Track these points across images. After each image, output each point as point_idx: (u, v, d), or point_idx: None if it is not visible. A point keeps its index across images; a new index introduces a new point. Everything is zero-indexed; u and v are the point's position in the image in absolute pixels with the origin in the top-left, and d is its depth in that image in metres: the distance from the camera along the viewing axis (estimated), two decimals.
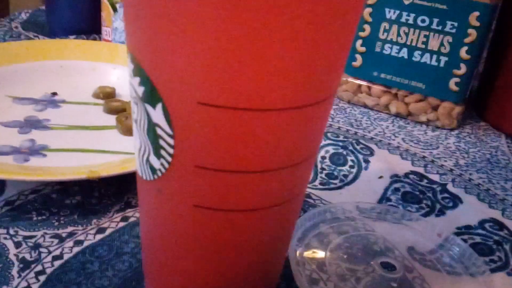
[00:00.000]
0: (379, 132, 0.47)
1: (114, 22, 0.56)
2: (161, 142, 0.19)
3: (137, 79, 0.19)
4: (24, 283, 0.25)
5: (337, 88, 0.21)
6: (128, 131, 0.39)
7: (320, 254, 0.29)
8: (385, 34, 0.48)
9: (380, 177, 0.39)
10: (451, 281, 0.29)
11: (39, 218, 0.30)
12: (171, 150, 0.19)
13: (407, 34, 0.48)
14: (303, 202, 0.35)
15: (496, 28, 0.50)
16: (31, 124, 0.40)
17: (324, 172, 0.39)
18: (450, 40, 0.46)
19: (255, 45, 0.16)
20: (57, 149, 0.37)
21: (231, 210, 0.20)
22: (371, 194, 0.37)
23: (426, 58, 0.47)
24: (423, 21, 0.46)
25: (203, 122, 0.18)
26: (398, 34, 0.48)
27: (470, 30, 0.45)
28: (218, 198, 0.19)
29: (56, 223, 0.30)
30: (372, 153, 0.42)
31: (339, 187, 0.37)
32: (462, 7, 0.45)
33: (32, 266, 0.27)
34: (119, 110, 0.43)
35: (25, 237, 0.29)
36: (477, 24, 0.45)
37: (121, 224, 0.30)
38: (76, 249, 0.28)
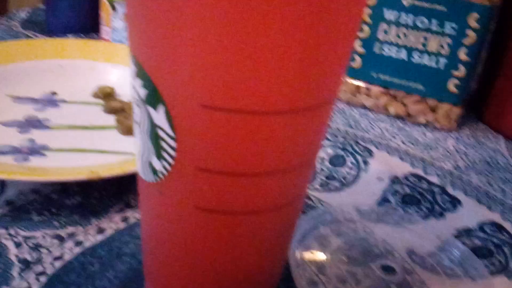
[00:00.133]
0: (378, 133, 0.47)
1: (113, 21, 0.56)
2: (163, 144, 0.19)
3: (139, 81, 0.19)
4: (24, 284, 0.25)
5: (339, 91, 0.21)
6: (128, 131, 0.39)
7: (319, 256, 0.29)
8: (384, 35, 0.48)
9: (380, 178, 0.39)
10: (451, 284, 0.29)
11: (39, 218, 0.30)
12: (172, 152, 0.19)
13: (406, 36, 0.48)
14: (303, 203, 0.35)
15: (495, 30, 0.50)
16: (31, 123, 0.40)
17: (323, 173, 0.39)
18: (449, 41, 0.46)
19: (257, 48, 0.16)
20: (57, 149, 0.36)
21: (232, 212, 0.20)
22: (370, 195, 0.37)
23: (425, 60, 0.48)
24: (422, 22, 0.46)
25: (205, 125, 0.18)
26: (397, 36, 0.48)
27: (469, 32, 0.45)
28: (219, 200, 0.19)
29: (57, 224, 0.30)
30: (371, 154, 0.42)
31: (338, 189, 0.37)
32: (461, 8, 0.45)
33: (33, 266, 0.27)
34: (119, 110, 0.43)
35: (26, 238, 0.29)
36: (476, 25, 0.45)
37: (121, 224, 0.30)
38: (77, 250, 0.28)
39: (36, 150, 0.36)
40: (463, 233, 0.34)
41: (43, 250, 0.28)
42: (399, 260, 0.30)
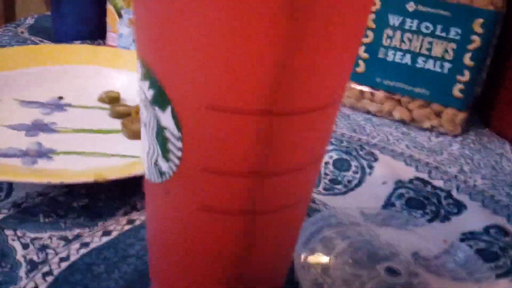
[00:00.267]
0: (383, 138, 0.47)
1: (119, 28, 0.56)
2: (170, 145, 0.19)
3: (147, 83, 0.19)
4: (31, 284, 0.26)
5: (344, 92, 0.21)
6: (133, 135, 0.40)
7: (324, 258, 0.29)
8: (389, 40, 0.49)
9: (384, 182, 0.39)
10: (455, 286, 0.29)
11: (46, 220, 0.30)
12: (179, 153, 0.19)
13: (410, 41, 0.48)
14: (308, 206, 0.35)
15: (500, 35, 0.50)
16: (38, 127, 0.40)
17: (328, 177, 0.39)
18: (454, 46, 0.46)
19: (264, 50, 0.16)
20: (64, 152, 0.37)
21: (238, 213, 0.20)
22: (375, 199, 0.37)
23: (429, 65, 0.48)
24: (426, 27, 0.47)
25: (211, 126, 0.18)
26: (402, 41, 0.48)
27: (474, 37, 0.45)
28: (225, 201, 0.19)
29: (63, 225, 0.30)
30: (375, 158, 0.42)
31: (343, 193, 0.37)
32: (466, 13, 0.45)
33: (40, 267, 0.27)
34: (125, 115, 0.43)
35: (33, 239, 0.29)
36: (481, 31, 0.45)
37: (127, 227, 0.30)
38: (83, 251, 0.28)
39: (43, 153, 0.36)
40: (468, 236, 0.34)
41: (50, 251, 0.28)
42: (404, 263, 0.30)
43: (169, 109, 0.18)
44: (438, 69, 0.48)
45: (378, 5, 0.48)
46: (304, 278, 0.27)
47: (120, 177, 0.31)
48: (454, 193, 0.39)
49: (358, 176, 0.40)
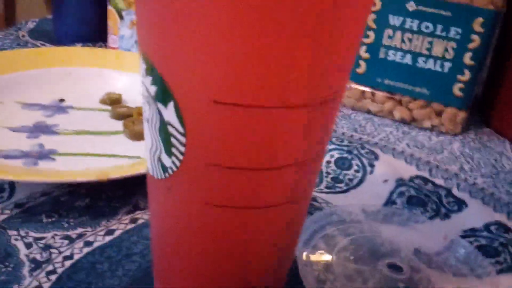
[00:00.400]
0: (384, 137, 0.47)
1: (120, 29, 0.56)
2: (173, 140, 0.19)
3: (149, 79, 0.19)
4: (35, 283, 0.26)
5: (346, 86, 0.21)
6: (135, 136, 0.40)
7: (327, 255, 0.29)
8: (389, 40, 0.49)
9: (385, 181, 0.39)
10: (457, 282, 0.29)
11: (49, 220, 0.31)
12: (182, 148, 0.19)
13: (411, 40, 0.48)
14: (310, 205, 0.35)
15: (500, 34, 0.50)
16: (39, 129, 0.40)
17: (330, 176, 0.39)
18: (454, 46, 0.46)
19: (268, 43, 0.17)
20: (65, 153, 0.37)
21: (241, 208, 0.20)
22: (376, 197, 0.37)
23: (430, 64, 0.48)
24: (427, 27, 0.47)
25: (215, 120, 0.18)
26: (402, 40, 0.48)
27: (474, 36, 0.46)
28: (228, 195, 0.20)
29: (66, 225, 0.30)
30: (377, 157, 0.43)
31: (345, 191, 0.38)
32: (466, 13, 0.45)
33: (43, 266, 0.27)
34: (126, 116, 0.43)
35: (36, 238, 0.29)
36: (481, 30, 0.45)
37: (130, 226, 0.31)
38: (86, 250, 0.28)
39: (45, 155, 0.37)
40: (469, 233, 0.34)
41: (53, 250, 0.28)
42: (406, 259, 0.30)
43: (172, 104, 0.19)
44: (438, 69, 0.48)
45: (378, 5, 0.49)
46: (307, 275, 0.27)
47: (122, 176, 0.31)
48: (455, 191, 0.39)
49: (359, 174, 0.40)
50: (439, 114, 0.49)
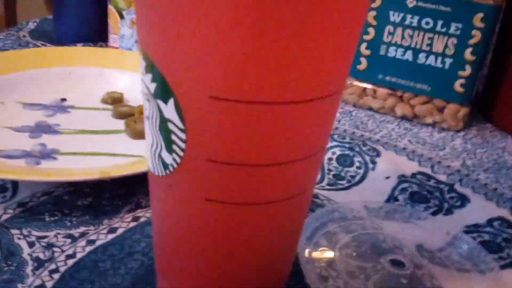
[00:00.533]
0: (385, 134, 0.47)
1: (121, 29, 0.57)
2: (173, 137, 0.19)
3: (149, 76, 0.19)
4: (38, 281, 0.26)
5: (346, 81, 0.21)
6: (136, 135, 0.40)
7: (329, 252, 0.29)
8: (390, 37, 0.49)
9: (387, 177, 0.39)
10: (460, 277, 0.29)
11: (52, 219, 0.31)
12: (183, 145, 0.19)
13: (411, 37, 0.48)
14: (311, 202, 0.35)
15: (501, 29, 0.50)
16: (41, 129, 0.40)
17: (331, 173, 0.39)
18: (455, 41, 0.46)
19: (266, 40, 0.17)
20: (67, 153, 0.37)
21: (242, 204, 0.20)
22: (378, 194, 0.37)
23: (431, 60, 0.48)
24: (427, 23, 0.47)
25: (214, 116, 0.18)
26: (403, 37, 0.48)
27: (474, 32, 0.45)
28: (229, 191, 0.20)
29: (69, 224, 0.30)
30: (378, 154, 0.43)
31: (347, 188, 0.38)
32: (466, 8, 0.45)
33: (46, 264, 0.27)
34: (128, 115, 0.43)
35: (38, 237, 0.29)
36: (481, 25, 0.45)
37: (132, 224, 0.31)
38: (89, 248, 0.28)
39: (47, 154, 0.37)
40: (472, 229, 0.34)
41: (56, 249, 0.28)
42: (408, 255, 0.30)
43: (172, 101, 0.19)
44: (439, 65, 0.48)
45: (378, 2, 0.49)
46: (309, 272, 0.27)
47: (124, 174, 0.31)
48: (457, 186, 0.39)
49: (361, 171, 0.40)
50: (440, 110, 0.49)
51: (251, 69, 0.17)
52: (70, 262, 0.27)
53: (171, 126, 0.19)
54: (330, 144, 0.43)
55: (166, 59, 0.18)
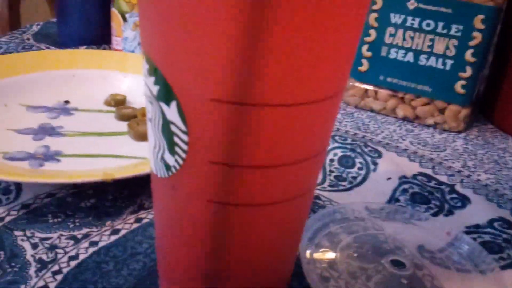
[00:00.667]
0: (387, 135, 0.47)
1: (124, 31, 0.57)
2: (176, 139, 0.20)
3: (152, 79, 0.20)
4: (41, 282, 0.26)
5: (347, 83, 0.21)
6: (139, 137, 0.40)
7: (330, 253, 0.30)
8: (391, 38, 0.49)
9: (389, 178, 0.39)
10: (461, 278, 0.29)
11: (55, 220, 0.31)
12: (185, 147, 0.19)
13: (412, 38, 0.48)
14: (313, 203, 0.35)
15: (502, 30, 0.50)
16: (45, 131, 0.41)
17: (333, 174, 0.39)
18: (456, 43, 0.47)
19: (266, 43, 0.17)
20: (71, 155, 0.37)
21: (244, 205, 0.20)
22: (380, 195, 0.37)
23: (432, 62, 0.48)
24: (428, 25, 0.47)
25: (217, 119, 0.18)
26: (404, 39, 0.48)
27: (475, 33, 0.46)
28: (231, 193, 0.20)
29: (72, 225, 0.31)
30: (380, 155, 0.43)
31: (348, 189, 0.38)
32: (466, 10, 0.45)
33: (49, 266, 0.27)
34: (131, 117, 0.43)
35: (42, 239, 0.29)
36: (482, 27, 0.45)
37: (135, 225, 0.31)
38: (92, 250, 0.29)
39: (50, 156, 0.37)
40: (473, 229, 0.34)
41: (59, 251, 0.28)
42: (409, 256, 0.30)
43: (174, 104, 0.19)
44: (440, 66, 0.48)
45: (380, 3, 0.49)
46: (310, 272, 0.28)
47: (127, 176, 0.31)
48: (458, 187, 0.39)
49: (362, 172, 0.40)
50: (442, 111, 0.49)
51: (251, 72, 0.17)
52: (73, 263, 0.28)
53: (173, 129, 0.19)
54: (331, 145, 0.44)
55: (168, 62, 0.18)
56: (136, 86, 0.49)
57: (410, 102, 0.50)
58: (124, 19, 0.56)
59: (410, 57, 0.49)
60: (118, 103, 0.46)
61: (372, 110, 0.53)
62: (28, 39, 0.65)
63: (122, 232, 0.30)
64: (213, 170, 0.19)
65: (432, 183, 0.39)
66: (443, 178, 0.40)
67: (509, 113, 0.50)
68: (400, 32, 0.48)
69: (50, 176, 0.32)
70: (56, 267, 0.27)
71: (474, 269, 0.29)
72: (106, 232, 0.30)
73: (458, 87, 0.48)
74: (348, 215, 0.33)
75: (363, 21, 0.19)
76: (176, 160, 0.20)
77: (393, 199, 0.37)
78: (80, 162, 0.36)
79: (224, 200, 0.20)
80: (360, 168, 0.40)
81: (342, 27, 0.18)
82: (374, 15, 0.49)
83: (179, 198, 0.21)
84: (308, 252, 0.29)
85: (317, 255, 0.29)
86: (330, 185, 0.38)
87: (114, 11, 0.57)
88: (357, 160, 0.42)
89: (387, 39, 0.49)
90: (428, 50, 0.48)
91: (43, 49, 0.62)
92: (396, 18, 0.48)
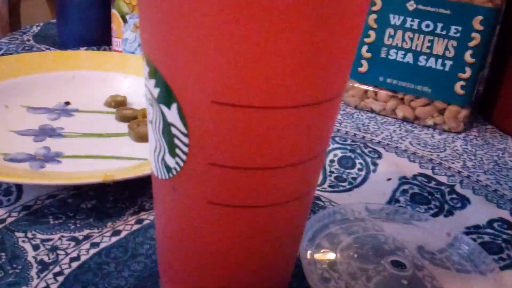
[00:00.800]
0: (387, 136, 0.47)
1: (124, 33, 0.57)
2: (176, 141, 0.20)
3: (153, 81, 0.20)
4: (43, 284, 0.26)
5: (346, 86, 0.21)
6: (140, 138, 0.40)
7: (331, 254, 0.30)
8: (390, 39, 0.49)
9: (389, 179, 0.39)
10: (460, 278, 0.29)
11: (56, 221, 0.31)
12: (185, 149, 0.20)
13: (412, 39, 0.48)
14: (313, 204, 0.35)
15: (500, 31, 0.50)
16: (45, 132, 0.41)
17: (333, 175, 0.40)
18: (455, 44, 0.47)
19: (266, 45, 0.17)
20: (71, 156, 0.37)
21: (244, 207, 0.20)
22: (380, 195, 0.37)
23: (431, 63, 0.48)
24: (427, 26, 0.47)
25: (217, 121, 0.18)
26: (403, 40, 0.49)
27: (474, 34, 0.46)
28: (232, 194, 0.20)
29: (73, 226, 0.31)
30: (380, 156, 0.43)
31: (348, 190, 0.38)
32: (465, 11, 0.45)
33: (50, 267, 0.27)
34: (131, 118, 0.43)
35: (43, 240, 0.29)
36: (481, 28, 0.45)
37: (136, 226, 0.31)
38: (93, 251, 0.29)
39: (51, 157, 0.37)
40: (472, 230, 0.34)
41: (60, 252, 0.29)
42: (409, 256, 0.30)
43: (175, 106, 0.19)
44: (439, 67, 0.48)
45: (379, 5, 0.49)
46: (311, 273, 0.28)
47: (128, 177, 0.32)
48: (458, 188, 0.39)
49: (362, 173, 0.40)
50: (441, 112, 0.49)
51: (253, 75, 0.17)
52: (74, 264, 0.28)
53: (174, 131, 0.20)
54: (331, 146, 0.44)
55: (169, 65, 0.19)
56: (136, 87, 0.49)
57: (410, 103, 0.50)
58: (124, 20, 0.57)
59: (409, 58, 0.49)
60: (118, 104, 0.46)
61: (372, 111, 0.53)
62: (28, 40, 0.66)
63: (123, 233, 0.30)
64: (214, 172, 0.19)
65: (432, 184, 0.39)
66: (443, 179, 0.40)
67: (509, 113, 0.51)
68: (400, 33, 0.49)
69: (51, 178, 0.32)
70: (57, 269, 0.27)
71: (474, 270, 0.30)
72: (107, 233, 0.30)
73: (458, 88, 0.48)
74: (348, 215, 0.33)
75: (362, 24, 0.19)
76: (176, 162, 0.20)
77: (393, 200, 0.37)
78: (81, 163, 0.37)
79: (224, 202, 0.20)
80: (360, 169, 0.41)
81: (342, 30, 0.18)
82: (374, 16, 0.49)
83: (180, 199, 0.21)
84: (308, 253, 0.29)
85: (317, 256, 0.29)
86: (330, 186, 0.38)
87: (114, 12, 0.57)
88: (357, 161, 0.42)
89: (387, 40, 0.49)
90: (428, 51, 0.48)
91: (43, 50, 0.62)
92: (395, 19, 0.48)
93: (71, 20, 0.62)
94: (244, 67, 0.17)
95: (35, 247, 0.29)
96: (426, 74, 0.49)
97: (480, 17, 0.45)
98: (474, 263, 0.30)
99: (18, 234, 0.30)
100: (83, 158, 0.37)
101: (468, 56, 0.47)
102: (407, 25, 0.48)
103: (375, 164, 0.41)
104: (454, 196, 0.38)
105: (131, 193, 0.34)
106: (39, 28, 0.70)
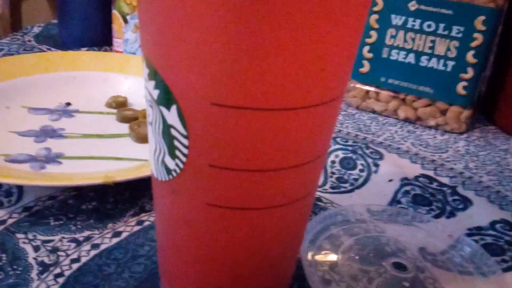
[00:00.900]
0: (388, 137, 0.47)
1: (125, 33, 0.57)
2: (176, 143, 0.20)
3: (152, 83, 0.20)
4: (43, 285, 0.26)
5: (346, 88, 0.21)
6: (141, 139, 0.40)
7: (332, 255, 0.30)
8: (392, 40, 0.49)
9: (390, 180, 0.39)
10: (463, 280, 0.29)
11: (57, 223, 0.31)
12: (185, 151, 0.19)
13: (413, 40, 0.48)
14: (314, 205, 0.35)
15: (503, 32, 0.50)
16: (46, 133, 0.41)
17: (334, 176, 0.39)
18: (457, 44, 0.46)
19: (266, 47, 0.17)
20: (72, 157, 0.37)
21: (244, 208, 0.20)
22: (381, 197, 0.37)
23: (433, 63, 0.48)
24: (429, 26, 0.47)
25: (216, 122, 0.18)
26: (405, 40, 0.48)
27: (476, 35, 0.46)
28: (231, 196, 0.20)
29: (73, 228, 0.31)
30: (381, 157, 0.43)
31: (350, 191, 0.38)
32: (467, 11, 0.45)
33: (51, 269, 0.27)
34: (132, 119, 0.43)
35: (43, 241, 0.29)
36: (483, 28, 0.45)
37: (136, 228, 0.31)
38: (93, 252, 0.29)
39: (52, 158, 0.37)
40: (475, 231, 0.34)
41: (61, 253, 0.28)
42: (411, 258, 0.30)
43: (174, 108, 0.19)
44: (441, 67, 0.48)
45: (380, 5, 0.49)
46: (312, 275, 0.27)
47: (128, 178, 0.31)
48: (460, 189, 0.39)
49: (364, 174, 0.40)
50: (443, 112, 0.49)
51: (252, 76, 0.17)
52: (75, 266, 0.28)
53: (174, 132, 0.19)
54: (333, 147, 0.44)
55: (168, 67, 0.18)
56: (137, 88, 0.49)
57: (412, 103, 0.50)
58: (125, 21, 0.56)
59: (411, 58, 0.49)
60: (119, 105, 0.46)
61: (373, 112, 0.53)
62: (29, 40, 0.66)
63: (124, 235, 0.30)
64: (214, 174, 0.19)
65: (434, 185, 0.39)
66: (445, 180, 0.40)
67: (511, 114, 0.50)
68: (401, 33, 0.48)
69: (52, 179, 0.32)
70: (58, 270, 0.27)
71: (476, 272, 0.29)
72: (107, 234, 0.30)
73: (460, 88, 0.48)
74: (349, 217, 0.33)
75: (363, 24, 0.19)
76: (176, 164, 0.20)
77: (394, 201, 0.37)
78: (82, 164, 0.37)
79: (224, 204, 0.20)
80: (361, 170, 0.40)
81: (343, 30, 0.18)
82: (375, 16, 0.49)
83: (180, 201, 0.21)
84: (309, 254, 0.29)
85: (318, 258, 0.29)
86: (331, 187, 0.38)
87: (115, 12, 0.57)
88: (358, 162, 0.41)
89: (388, 41, 0.49)
90: (429, 51, 0.48)
91: (44, 51, 0.62)
92: (397, 20, 0.48)
93: (72, 20, 0.62)
94: (243, 69, 0.17)
95: (36, 249, 0.29)
96: (428, 75, 0.48)
97: (482, 17, 0.45)
98: (476, 265, 0.30)
99: (19, 235, 0.30)
100: (84, 159, 0.37)
101: (470, 57, 0.46)
102: (409, 25, 0.48)
103: (376, 165, 0.41)
104: (456, 197, 0.38)
105: (132, 194, 0.34)
106: (40, 28, 0.70)
